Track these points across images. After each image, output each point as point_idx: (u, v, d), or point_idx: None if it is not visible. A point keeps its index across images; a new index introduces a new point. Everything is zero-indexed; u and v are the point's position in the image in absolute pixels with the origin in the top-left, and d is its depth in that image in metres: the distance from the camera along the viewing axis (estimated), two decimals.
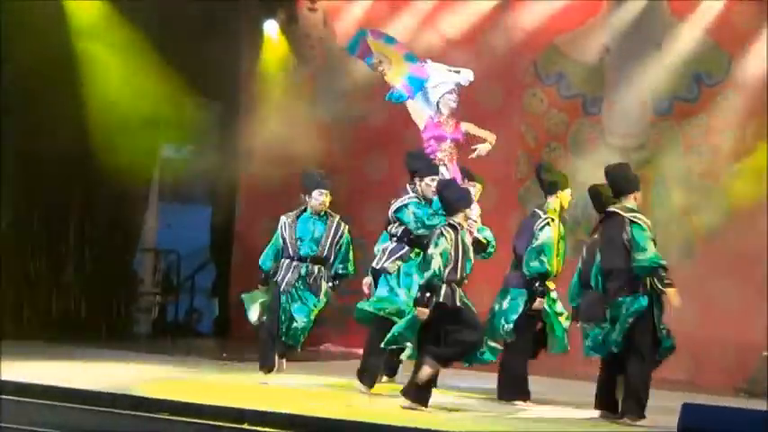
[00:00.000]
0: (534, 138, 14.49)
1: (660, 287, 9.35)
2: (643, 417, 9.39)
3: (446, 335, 9.48)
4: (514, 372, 10.40)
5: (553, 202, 10.42)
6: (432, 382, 9.62)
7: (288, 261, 10.68)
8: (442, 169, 10.54)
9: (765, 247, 12.45)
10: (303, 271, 10.63)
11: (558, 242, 10.41)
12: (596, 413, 9.77)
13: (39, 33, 13.44)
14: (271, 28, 15.67)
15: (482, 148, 10.89)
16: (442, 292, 9.41)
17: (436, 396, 9.78)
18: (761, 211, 12.78)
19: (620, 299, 9.39)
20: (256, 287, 10.86)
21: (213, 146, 15.86)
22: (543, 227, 10.28)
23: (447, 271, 9.42)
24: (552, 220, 10.33)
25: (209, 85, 15.18)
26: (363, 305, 10.43)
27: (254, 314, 10.79)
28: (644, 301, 9.35)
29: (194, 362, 12.54)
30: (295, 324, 10.54)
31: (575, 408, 10.28)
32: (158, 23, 14.43)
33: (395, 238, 10.46)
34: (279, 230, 10.77)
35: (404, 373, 10.27)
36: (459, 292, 9.51)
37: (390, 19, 14.36)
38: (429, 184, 10.30)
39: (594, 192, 10.11)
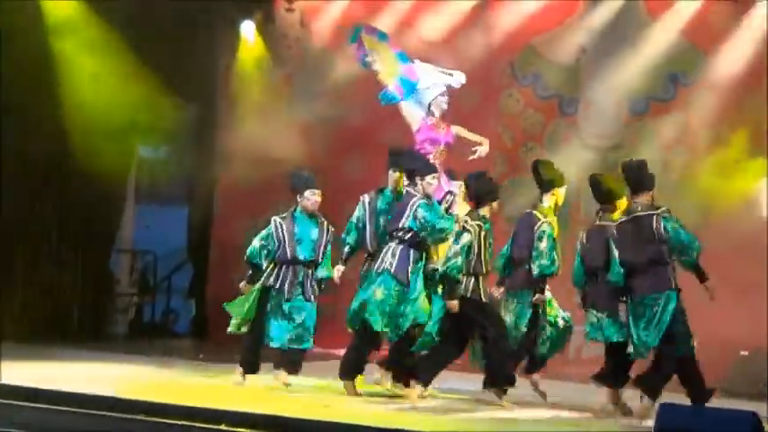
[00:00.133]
0: (511, 138, 14.50)
1: (699, 281, 9.52)
2: (654, 401, 9.29)
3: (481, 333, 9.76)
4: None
5: (549, 199, 10.43)
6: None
7: (283, 265, 10.47)
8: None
9: (742, 245, 12.48)
10: (300, 276, 10.47)
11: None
12: (589, 414, 9.79)
13: (18, 33, 13.40)
14: (247, 28, 15.64)
15: (482, 150, 10.98)
16: (470, 285, 9.68)
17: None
18: (737, 211, 12.81)
19: (651, 295, 9.48)
20: (236, 288, 10.70)
21: (190, 146, 15.84)
22: (544, 228, 10.22)
23: (472, 264, 9.68)
24: (549, 221, 10.31)
25: (186, 85, 15.13)
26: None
27: (238, 324, 10.54)
28: (674, 296, 9.48)
29: (171, 362, 12.51)
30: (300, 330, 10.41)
31: (568, 410, 10.15)
32: (135, 23, 14.36)
33: (397, 240, 10.14)
34: (273, 232, 10.52)
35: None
36: (483, 284, 9.78)
37: (368, 19, 14.24)
38: (430, 183, 10.25)
39: (594, 181, 10.23)
